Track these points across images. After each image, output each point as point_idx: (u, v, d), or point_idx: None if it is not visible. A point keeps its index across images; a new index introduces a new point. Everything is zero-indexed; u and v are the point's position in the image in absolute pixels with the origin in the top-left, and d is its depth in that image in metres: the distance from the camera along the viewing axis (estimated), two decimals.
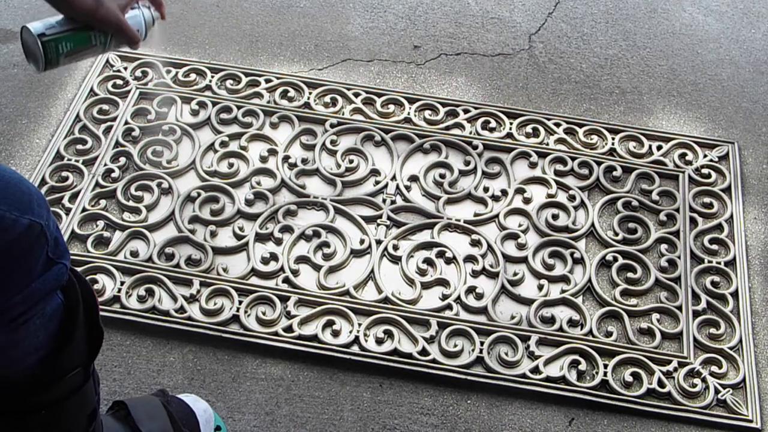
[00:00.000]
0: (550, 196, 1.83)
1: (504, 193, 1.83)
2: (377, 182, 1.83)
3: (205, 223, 1.75)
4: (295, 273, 1.68)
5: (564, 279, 1.70)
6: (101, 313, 1.58)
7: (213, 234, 1.73)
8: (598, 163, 1.89)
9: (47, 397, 0.99)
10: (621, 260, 1.72)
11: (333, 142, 1.90)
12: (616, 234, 1.77)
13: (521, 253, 1.73)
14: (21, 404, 0.98)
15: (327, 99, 1.99)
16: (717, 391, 1.55)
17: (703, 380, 1.56)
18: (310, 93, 1.99)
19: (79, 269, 1.65)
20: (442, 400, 1.54)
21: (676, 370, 1.57)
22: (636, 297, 1.68)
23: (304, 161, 1.86)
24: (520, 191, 1.83)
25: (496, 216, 1.79)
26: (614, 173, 1.87)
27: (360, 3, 2.26)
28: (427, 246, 1.73)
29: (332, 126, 1.93)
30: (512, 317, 1.63)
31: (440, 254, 1.72)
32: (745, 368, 1.58)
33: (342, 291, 1.65)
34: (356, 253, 1.72)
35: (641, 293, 1.69)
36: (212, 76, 2.02)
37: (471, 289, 1.67)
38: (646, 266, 1.72)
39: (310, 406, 1.52)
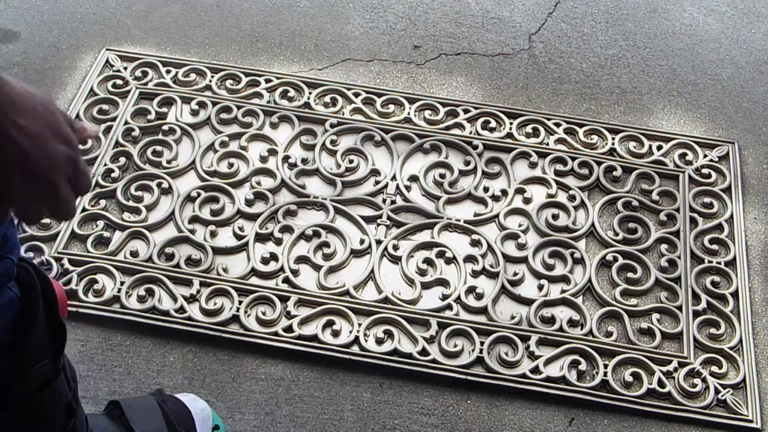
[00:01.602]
0: (550, 196, 1.83)
1: (504, 193, 1.83)
2: (377, 182, 1.83)
3: (205, 223, 1.75)
4: (295, 273, 1.68)
5: (564, 279, 1.70)
6: (103, 313, 1.59)
7: (213, 234, 1.73)
8: (598, 163, 1.89)
9: (17, 390, 1.00)
10: (621, 260, 1.72)
11: (333, 142, 1.90)
12: (616, 234, 1.77)
13: (521, 253, 1.73)
14: None
15: (327, 99, 1.99)
16: (717, 391, 1.55)
17: (703, 380, 1.56)
18: (310, 93, 1.99)
19: (79, 269, 1.65)
20: (442, 400, 1.54)
21: (676, 370, 1.57)
22: (636, 297, 1.68)
23: (304, 161, 1.86)
24: (520, 191, 1.83)
25: (496, 216, 1.79)
26: (614, 173, 1.87)
27: (360, 3, 2.26)
28: (427, 246, 1.73)
29: (332, 126, 1.93)
30: (512, 317, 1.63)
31: (440, 254, 1.71)
32: (745, 368, 1.58)
33: (342, 291, 1.65)
34: (356, 253, 1.72)
35: (641, 293, 1.69)
36: (212, 76, 2.02)
37: (471, 289, 1.67)
38: (646, 266, 1.72)
39: (310, 406, 1.52)
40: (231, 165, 1.84)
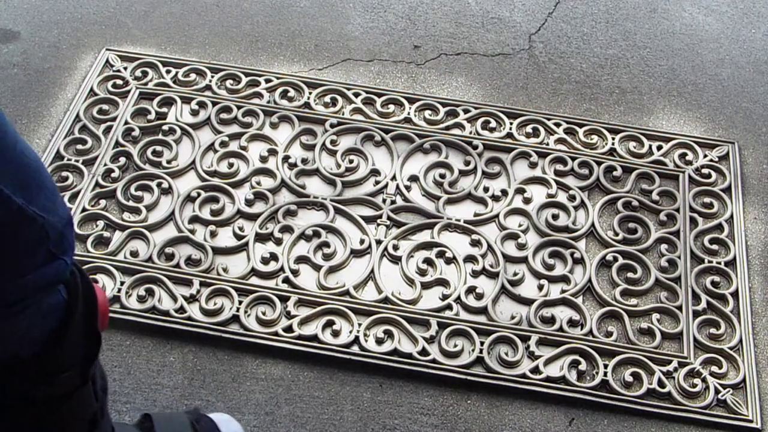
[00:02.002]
0: (550, 196, 1.83)
1: (504, 193, 1.83)
2: (377, 182, 1.83)
3: (205, 223, 1.75)
4: (295, 273, 1.68)
5: (564, 279, 1.70)
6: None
7: (213, 234, 1.73)
8: (598, 163, 1.89)
9: (41, 394, 0.99)
10: (621, 260, 1.72)
11: (333, 142, 1.90)
12: (616, 234, 1.77)
13: (521, 253, 1.73)
14: (15, 395, 0.98)
15: (327, 99, 1.99)
16: (717, 391, 1.55)
17: (703, 380, 1.56)
18: (310, 93, 1.99)
19: None
20: (442, 400, 1.54)
21: (676, 370, 1.57)
22: (636, 297, 1.68)
23: (304, 161, 1.86)
24: (520, 191, 1.83)
25: (496, 216, 1.79)
26: (614, 173, 1.87)
27: (360, 3, 2.26)
28: (427, 246, 1.73)
29: (332, 126, 1.93)
30: (512, 317, 1.63)
31: (440, 254, 1.71)
32: (745, 368, 1.58)
33: (342, 291, 1.65)
34: (356, 253, 1.72)
35: (641, 293, 1.69)
36: (212, 76, 2.02)
37: (471, 289, 1.67)
38: (646, 266, 1.72)
39: (310, 406, 1.52)
40: (231, 165, 1.84)
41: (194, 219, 1.75)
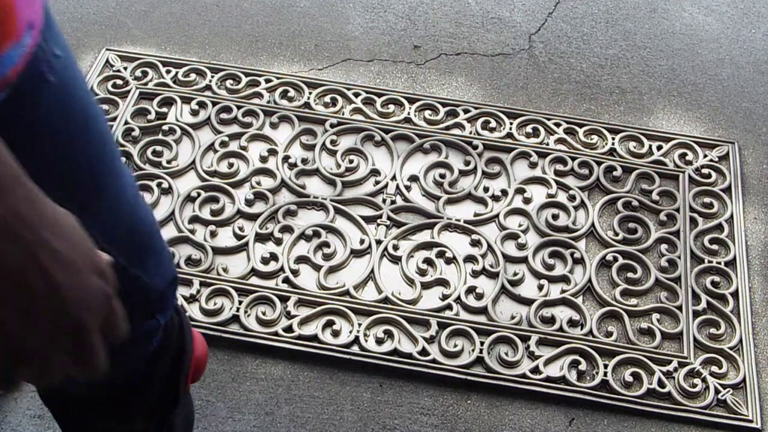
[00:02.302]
0: (550, 196, 1.83)
1: (504, 193, 1.83)
2: (377, 182, 1.83)
3: (205, 223, 1.75)
4: (295, 273, 1.68)
5: (564, 279, 1.70)
6: None
7: (213, 234, 1.73)
8: (598, 163, 1.89)
9: (113, 426, 0.99)
10: (621, 260, 1.72)
11: (333, 142, 1.90)
12: (616, 234, 1.77)
13: (521, 253, 1.73)
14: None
15: (327, 99, 1.99)
16: (717, 391, 1.55)
17: (703, 380, 1.56)
18: (310, 93, 1.99)
19: None
20: (442, 400, 1.54)
21: (676, 370, 1.57)
22: (636, 297, 1.68)
23: (304, 161, 1.86)
24: (520, 191, 1.83)
25: (496, 216, 1.79)
26: (614, 173, 1.87)
27: (360, 3, 2.26)
28: (427, 246, 1.73)
29: (332, 126, 1.93)
30: (512, 317, 1.63)
31: (440, 254, 1.71)
32: (745, 368, 1.58)
33: (342, 291, 1.65)
34: (356, 253, 1.72)
35: (641, 293, 1.69)
36: (212, 76, 2.02)
37: (471, 289, 1.67)
38: (646, 266, 1.72)
39: (310, 406, 1.52)
40: (231, 165, 1.84)
41: (194, 219, 1.75)
